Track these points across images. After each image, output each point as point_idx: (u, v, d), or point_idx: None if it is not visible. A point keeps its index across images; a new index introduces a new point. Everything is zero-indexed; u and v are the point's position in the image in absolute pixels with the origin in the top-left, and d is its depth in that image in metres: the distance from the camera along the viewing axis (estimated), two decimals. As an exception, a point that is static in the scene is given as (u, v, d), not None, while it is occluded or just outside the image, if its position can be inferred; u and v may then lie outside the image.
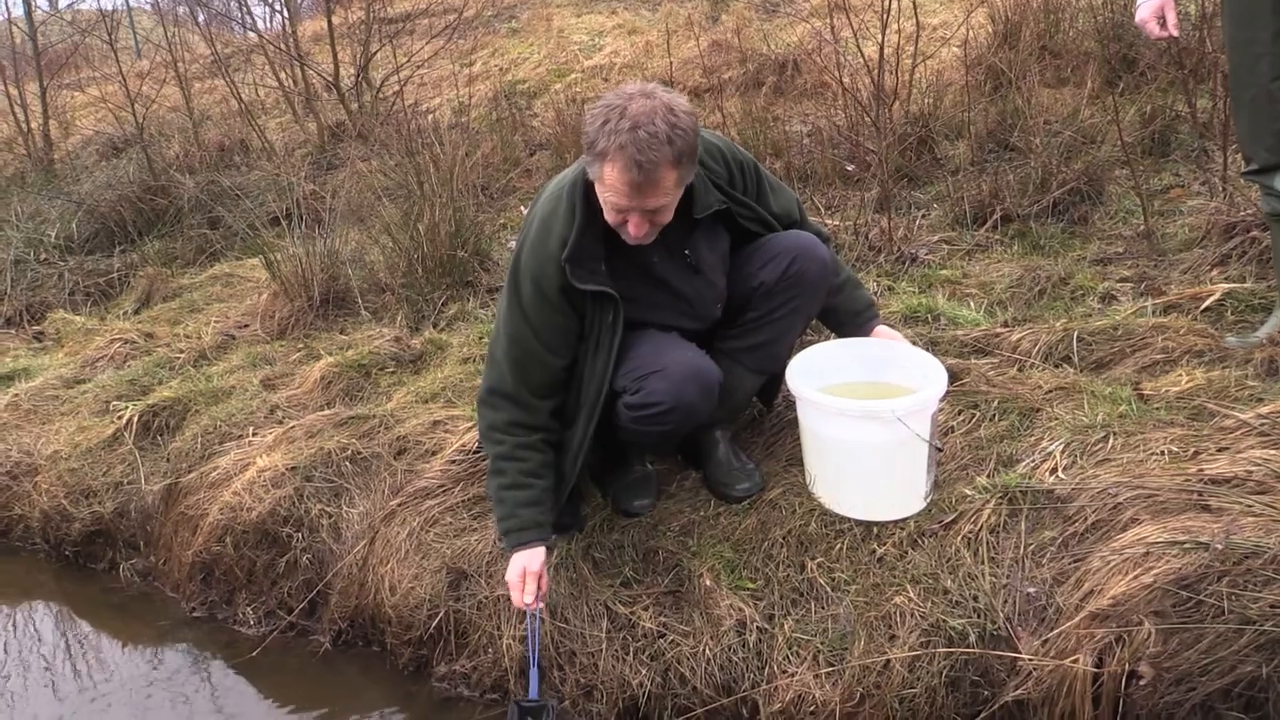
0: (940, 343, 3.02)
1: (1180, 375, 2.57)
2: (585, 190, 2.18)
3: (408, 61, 7.08)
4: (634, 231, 2.12)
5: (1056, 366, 2.79)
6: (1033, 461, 2.30)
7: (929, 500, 2.29)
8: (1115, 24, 5.25)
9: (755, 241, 2.42)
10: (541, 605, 2.23)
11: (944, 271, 3.56)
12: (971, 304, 3.30)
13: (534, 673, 2.18)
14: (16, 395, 3.98)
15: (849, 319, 2.57)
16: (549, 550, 2.29)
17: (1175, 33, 2.72)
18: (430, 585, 2.56)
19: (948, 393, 2.59)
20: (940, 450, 2.32)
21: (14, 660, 3.15)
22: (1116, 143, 4.06)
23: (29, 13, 10.72)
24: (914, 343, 3.00)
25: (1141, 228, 3.63)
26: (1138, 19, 2.76)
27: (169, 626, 3.15)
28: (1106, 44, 5.12)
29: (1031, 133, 4.36)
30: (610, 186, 2.06)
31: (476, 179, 5.27)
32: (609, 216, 2.13)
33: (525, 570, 2.22)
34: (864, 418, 2.18)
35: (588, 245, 2.19)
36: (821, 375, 2.40)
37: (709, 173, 2.29)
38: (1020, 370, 2.75)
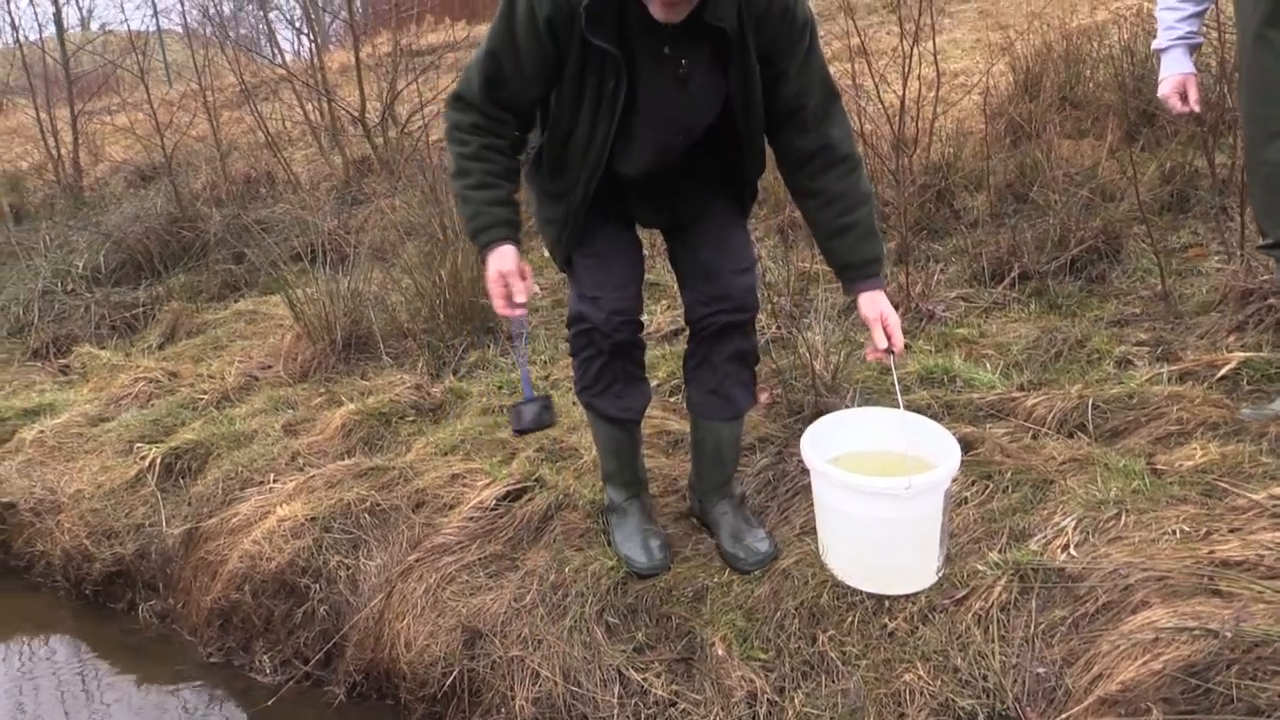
0: (955, 406, 3.04)
1: (1194, 449, 2.58)
2: None
3: (434, 98, 7.17)
4: None
5: (1071, 436, 2.81)
6: (1045, 537, 2.31)
7: (941, 574, 2.31)
8: (1136, 76, 5.28)
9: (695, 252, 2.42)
10: (524, 311, 2.17)
11: (961, 330, 3.57)
12: (988, 365, 3.32)
13: (524, 371, 2.23)
14: (42, 432, 4.04)
15: (840, 269, 2.36)
16: (518, 249, 2.20)
17: (1197, 109, 2.75)
18: (445, 643, 2.59)
19: (961, 464, 2.62)
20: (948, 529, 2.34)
21: (30, 696, 3.21)
22: (1135, 200, 4.09)
23: (61, 36, 10.92)
24: (929, 406, 3.05)
25: (1159, 288, 3.65)
26: (1160, 94, 2.79)
27: (186, 670, 3.19)
28: (1126, 97, 5.16)
29: (1050, 188, 4.38)
30: None
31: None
32: None
33: (501, 271, 2.15)
34: (876, 494, 2.20)
35: (610, 3, 2.07)
36: (833, 445, 2.42)
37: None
38: (1035, 439, 2.77)
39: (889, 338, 2.28)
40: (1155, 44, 2.81)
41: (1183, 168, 4.46)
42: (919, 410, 2.97)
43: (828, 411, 2.85)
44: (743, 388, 2.50)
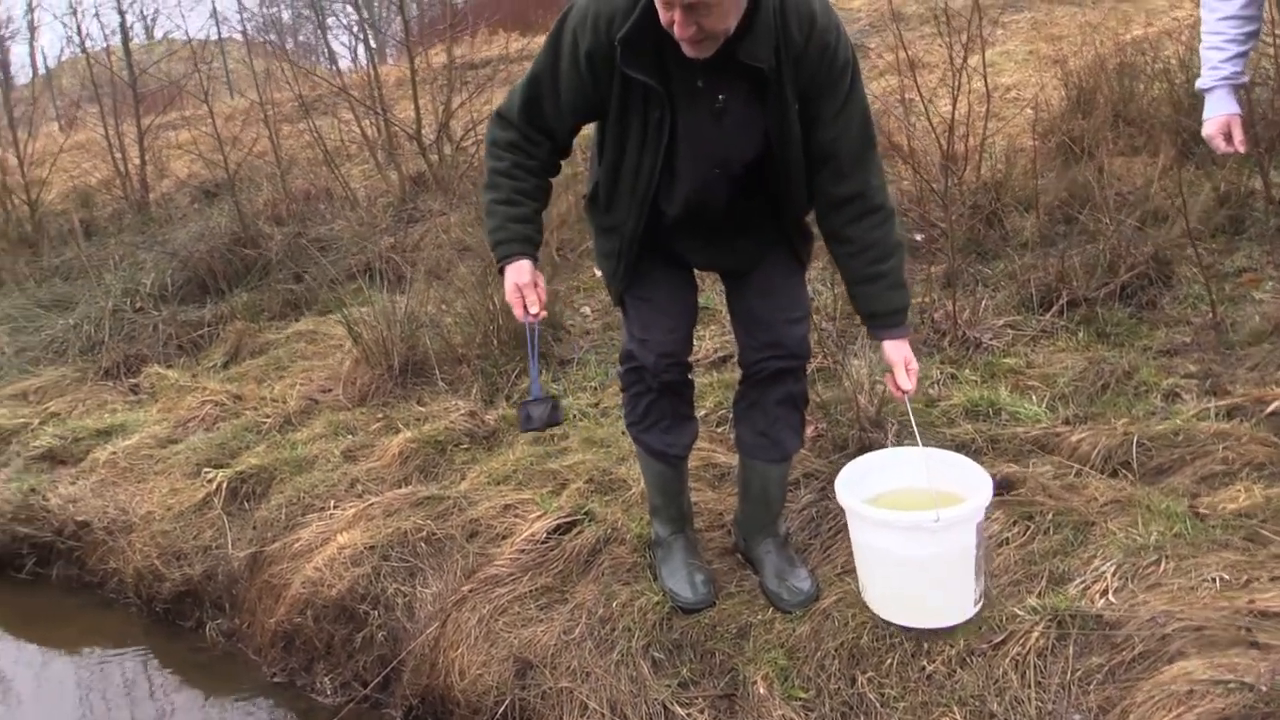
0: (1000, 440, 3.07)
1: (1238, 490, 2.60)
2: None
3: (488, 116, 7.27)
4: (678, 33, 2.01)
5: (1115, 474, 2.83)
6: (1084, 582, 2.35)
7: (980, 605, 2.34)
8: (1190, 92, 5.23)
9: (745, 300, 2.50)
10: (540, 315, 2.31)
11: (1008, 360, 3.59)
12: (1033, 397, 3.33)
13: (534, 371, 2.39)
14: (114, 453, 4.21)
15: (867, 316, 2.44)
16: (534, 264, 2.32)
17: (1242, 149, 2.76)
18: (498, 672, 2.68)
19: (1000, 500, 2.66)
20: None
21: (101, 708, 3.40)
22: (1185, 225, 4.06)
23: (127, 50, 11.22)
24: (973, 440, 3.08)
25: (1210, 316, 3.63)
26: (1204, 133, 2.80)
27: (250, 689, 3.32)
28: (1180, 114, 5.11)
29: (1101, 210, 4.37)
30: None
31: (552, 239, 5.42)
32: (661, 17, 2.03)
33: (517, 285, 2.27)
34: (907, 528, 2.26)
35: (646, 35, 2.10)
36: (868, 484, 2.47)
37: (785, 36, 2.13)
38: (1078, 477, 2.79)
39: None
40: (1200, 83, 2.82)
41: (1238, 189, 4.43)
42: (962, 445, 3.03)
43: (872, 447, 2.92)
44: (792, 431, 2.57)
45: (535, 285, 2.29)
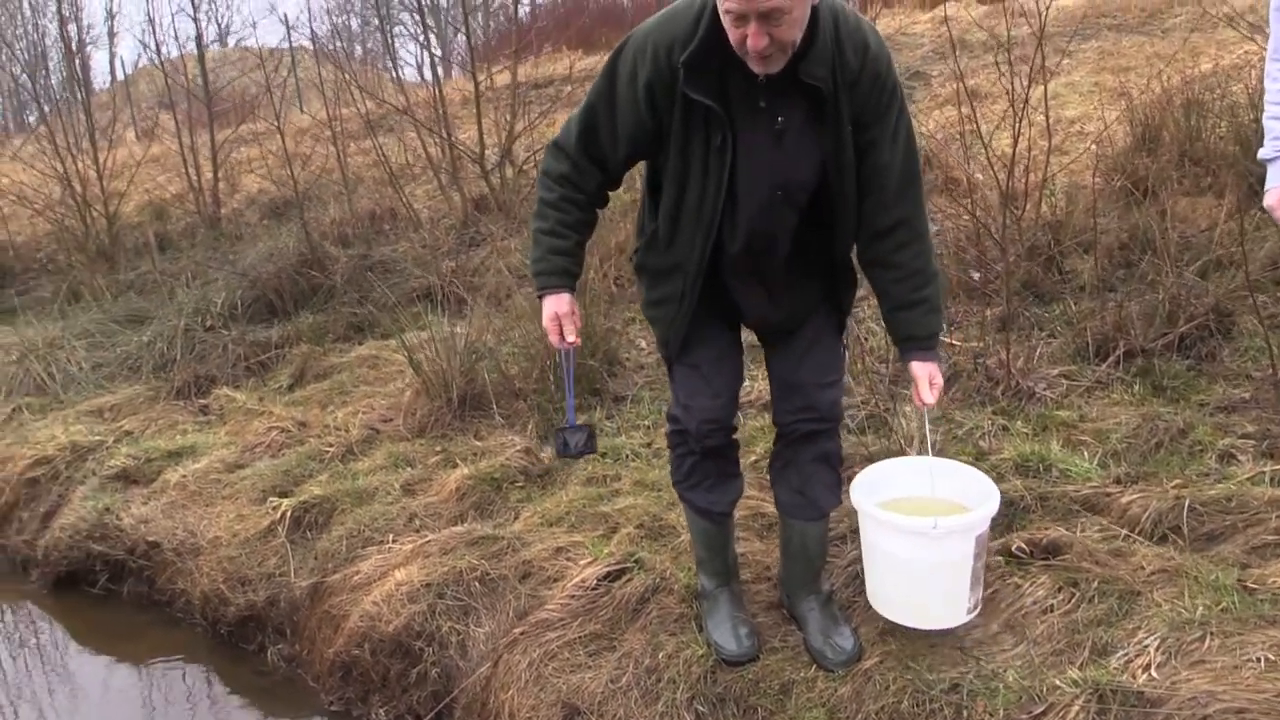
0: (1049, 499, 3.07)
1: (1288, 564, 2.59)
2: (714, 11, 2.13)
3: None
4: (752, 44, 2.04)
5: (1164, 539, 2.82)
6: (1127, 655, 2.36)
7: (974, 613, 2.49)
8: (1258, 132, 5.15)
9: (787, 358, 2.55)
10: (575, 343, 2.42)
11: (1061, 412, 3.59)
12: (1085, 453, 3.33)
13: (570, 399, 2.52)
14: (185, 476, 4.37)
15: (903, 339, 2.49)
16: (572, 295, 2.43)
17: (1306, 218, 2.74)
18: (546, 717, 2.76)
19: (1047, 565, 2.68)
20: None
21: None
22: (1251, 269, 4.02)
23: (203, 64, 11.52)
24: (1021, 499, 3.09)
25: (1270, 372, 3.60)
26: (1265, 204, 2.79)
27: (308, 715, 3.45)
28: (1248, 155, 5.04)
29: (1162, 256, 4.33)
30: None
31: (609, 270, 5.51)
32: (731, 35, 2.08)
33: (556, 314, 2.38)
34: (908, 533, 2.41)
35: (708, 58, 2.16)
36: (888, 488, 2.62)
37: (841, 60, 2.18)
38: (1126, 542, 2.79)
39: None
40: (1262, 153, 2.81)
41: (1305, 234, 4.37)
42: (1011, 503, 3.05)
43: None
44: (827, 489, 2.61)
45: (572, 314, 2.40)
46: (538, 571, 3.16)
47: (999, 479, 3.22)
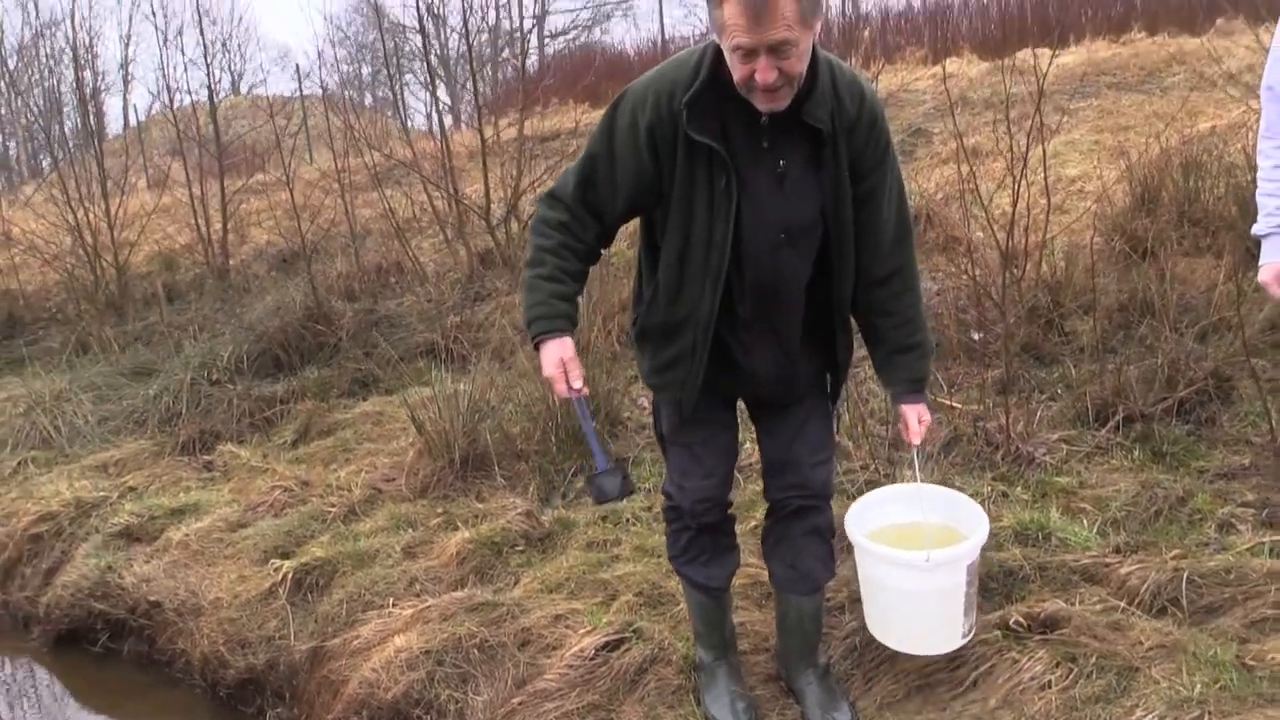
0: (1048, 568, 3.08)
1: (1287, 640, 2.58)
2: (715, 55, 2.18)
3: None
4: (761, 78, 2.06)
5: (1163, 611, 2.82)
6: (1125, 735, 2.36)
7: (968, 638, 2.58)
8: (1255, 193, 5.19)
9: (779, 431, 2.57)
10: (583, 390, 2.32)
11: (1060, 479, 3.60)
12: (1084, 521, 3.34)
13: (594, 444, 2.35)
14: (187, 534, 4.38)
15: (894, 382, 2.54)
16: (574, 341, 2.34)
17: (1300, 299, 2.77)
18: (543, 790, 2.75)
19: (1044, 640, 2.68)
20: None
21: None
22: (1249, 333, 4.04)
23: (214, 112, 11.67)
24: (1020, 568, 3.09)
25: (1269, 438, 3.61)
26: (1259, 279, 2.83)
27: (307, 781, 3.43)
28: (1247, 216, 5.07)
29: (1161, 319, 4.36)
30: (730, 26, 2.03)
31: (613, 328, 5.54)
32: (736, 72, 2.10)
33: (561, 359, 2.27)
34: (902, 566, 2.47)
35: (710, 101, 2.19)
36: (876, 516, 2.69)
37: (839, 106, 2.23)
38: (1124, 614, 2.79)
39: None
40: (1255, 229, 2.85)
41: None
42: (1010, 572, 3.06)
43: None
44: (820, 562, 2.63)
45: (576, 359, 2.30)
46: (537, 639, 3.16)
47: (998, 547, 3.23)
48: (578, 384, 2.29)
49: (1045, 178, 4.96)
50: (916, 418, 2.53)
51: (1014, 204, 4.56)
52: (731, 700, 2.69)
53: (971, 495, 3.56)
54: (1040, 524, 3.29)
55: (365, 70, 29.31)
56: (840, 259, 2.36)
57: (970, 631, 2.59)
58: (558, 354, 2.28)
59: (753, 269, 2.31)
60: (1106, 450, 3.79)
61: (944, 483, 3.65)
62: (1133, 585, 2.93)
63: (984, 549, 3.20)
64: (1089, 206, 5.79)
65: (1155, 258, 5.07)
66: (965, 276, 5.12)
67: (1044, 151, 5.02)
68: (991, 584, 3.04)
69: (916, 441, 2.54)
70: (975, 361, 4.66)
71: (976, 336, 4.87)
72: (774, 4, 1.99)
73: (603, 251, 2.47)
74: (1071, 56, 9.37)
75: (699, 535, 2.62)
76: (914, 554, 2.44)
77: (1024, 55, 9.47)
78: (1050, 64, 5.61)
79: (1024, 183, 4.39)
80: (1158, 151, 5.94)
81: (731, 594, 2.81)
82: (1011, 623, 2.75)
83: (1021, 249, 4.72)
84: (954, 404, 4.26)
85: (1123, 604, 2.85)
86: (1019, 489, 3.59)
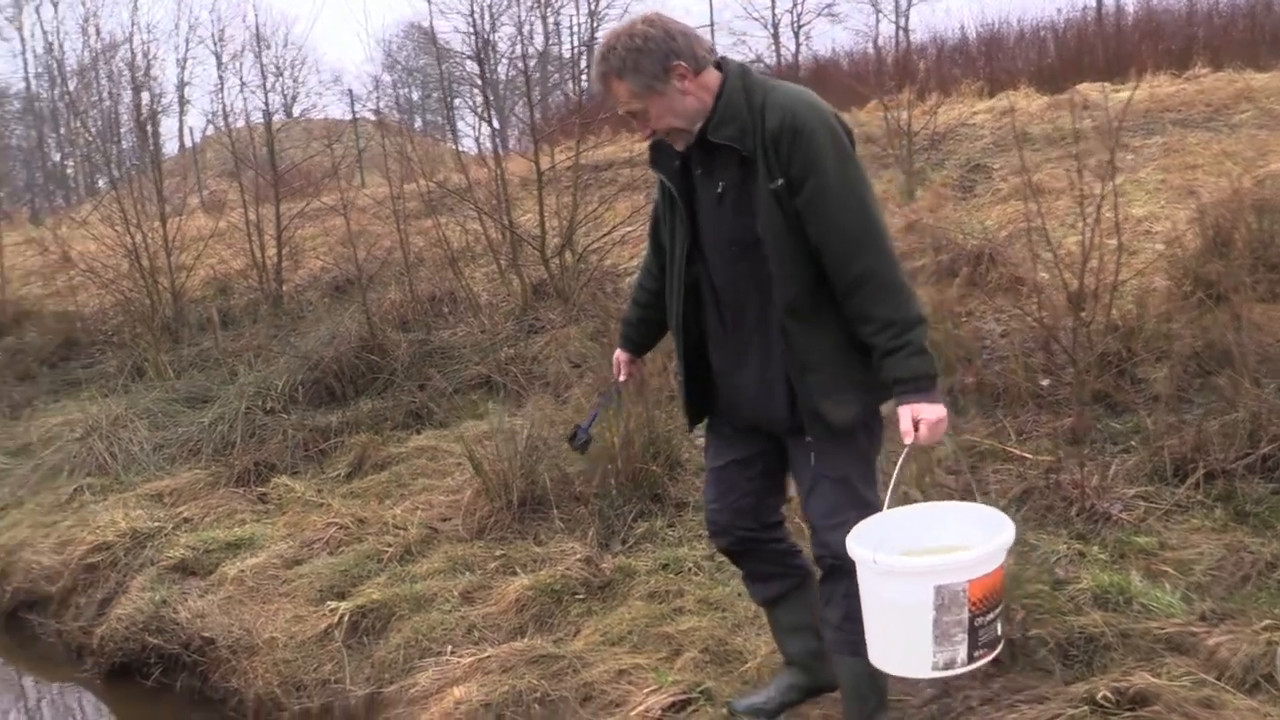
0: (1131, 635, 2.96)
1: (1394, 725, 2.45)
2: None
3: (611, 230, 7.41)
4: (642, 134, 2.52)
5: (1255, 687, 2.70)
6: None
7: (944, 673, 2.24)
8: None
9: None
10: (621, 385, 3.05)
11: (1140, 538, 3.48)
12: (1167, 585, 3.21)
13: (593, 415, 3.01)
14: (242, 570, 4.36)
15: (890, 383, 2.44)
16: (628, 352, 2.94)
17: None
18: None
19: (1135, 717, 2.56)
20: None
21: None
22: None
23: (270, 135, 11.77)
24: (1102, 635, 2.98)
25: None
26: None
27: (360, 833, 3.38)
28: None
29: (1238, 369, 4.22)
30: None
31: (671, 367, 5.46)
32: None
33: (618, 360, 2.93)
34: (861, 561, 2.24)
35: (663, 143, 2.53)
36: (928, 535, 2.38)
37: (762, 124, 2.38)
38: (1214, 691, 2.67)
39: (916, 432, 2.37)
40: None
41: (1388, 351, 4.24)
42: (1091, 639, 2.95)
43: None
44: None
45: (629, 363, 2.92)
46: (599, 695, 3.09)
47: (1077, 611, 3.12)
48: (621, 377, 2.95)
49: (1116, 217, 4.84)
50: (911, 417, 2.40)
51: (1085, 245, 4.45)
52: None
53: (1047, 553, 3.48)
54: (1120, 587, 3.18)
55: (415, 94, 29.61)
56: (777, 266, 2.43)
57: (948, 668, 2.24)
58: (617, 356, 2.95)
59: (720, 281, 2.54)
60: (1186, 508, 3.66)
61: (1020, 542, 3.55)
62: (1222, 657, 2.80)
63: (1061, 611, 3.12)
64: (1159, 249, 5.65)
65: (1229, 303, 4.93)
66: (1031, 319, 5.02)
67: (1114, 191, 4.91)
68: (1073, 650, 2.94)
69: (908, 441, 2.39)
70: (1044, 409, 4.54)
71: (1045, 383, 4.75)
72: (611, 93, 2.45)
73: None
74: (1134, 92, 9.20)
75: (729, 557, 2.88)
76: (865, 551, 2.23)
77: (1084, 88, 9.36)
78: (1111, 99, 5.50)
79: (1092, 219, 4.28)
80: (1229, 192, 5.79)
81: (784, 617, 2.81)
82: (1099, 697, 2.64)
83: (1091, 292, 4.61)
84: (1024, 454, 4.14)
85: (1212, 678, 2.73)
86: (1095, 548, 3.47)
